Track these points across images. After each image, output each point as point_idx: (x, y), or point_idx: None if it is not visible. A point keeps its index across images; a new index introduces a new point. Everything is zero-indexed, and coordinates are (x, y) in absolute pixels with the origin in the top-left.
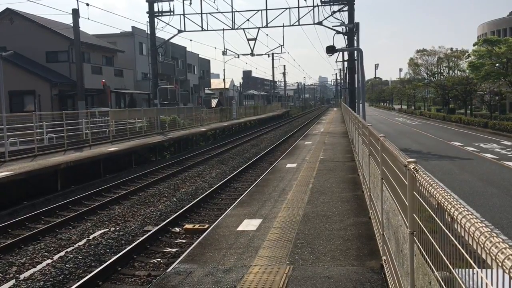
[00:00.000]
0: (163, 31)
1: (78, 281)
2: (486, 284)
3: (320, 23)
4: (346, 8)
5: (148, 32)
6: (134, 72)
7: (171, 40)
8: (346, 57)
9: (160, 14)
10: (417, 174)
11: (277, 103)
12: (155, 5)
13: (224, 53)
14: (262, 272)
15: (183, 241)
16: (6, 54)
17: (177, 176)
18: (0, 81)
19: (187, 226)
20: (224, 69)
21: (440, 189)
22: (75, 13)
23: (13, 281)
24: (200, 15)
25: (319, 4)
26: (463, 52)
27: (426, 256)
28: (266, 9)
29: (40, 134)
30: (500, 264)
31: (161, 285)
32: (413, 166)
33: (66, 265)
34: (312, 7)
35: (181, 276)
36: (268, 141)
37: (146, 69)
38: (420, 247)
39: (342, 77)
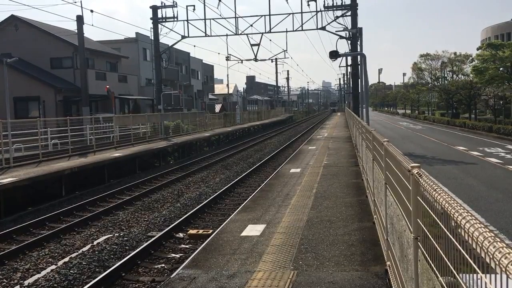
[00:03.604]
0: (167, 37)
1: (82, 287)
2: None
3: (323, 28)
4: (349, 13)
5: (152, 38)
6: (138, 78)
7: (175, 46)
8: (349, 62)
9: (164, 20)
10: (420, 179)
11: (280, 108)
12: (159, 11)
13: (227, 58)
14: (266, 278)
15: (187, 246)
16: (11, 61)
17: (181, 181)
18: (5, 88)
19: (191, 231)
20: (227, 75)
21: (444, 194)
22: (80, 19)
23: (18, 287)
24: (203, 21)
25: (322, 9)
26: (467, 56)
27: (430, 261)
28: (270, 15)
29: (45, 140)
30: (503, 269)
31: None
32: (416, 171)
33: (70, 271)
34: (315, 12)
35: (185, 281)
36: (272, 146)
37: (150, 75)
38: (424, 252)
39: (345, 82)
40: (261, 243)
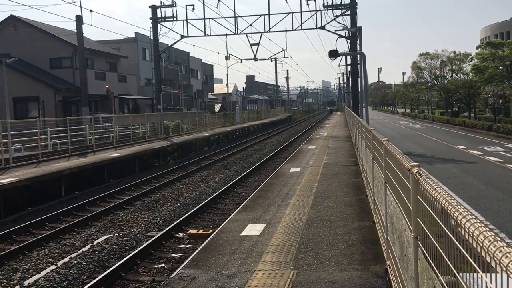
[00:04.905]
0: (166, 37)
1: (82, 287)
2: None
3: (322, 28)
4: (348, 13)
5: (151, 38)
6: (137, 78)
7: (174, 46)
8: (349, 61)
9: (163, 19)
10: (420, 178)
11: (280, 108)
12: (158, 10)
13: (227, 58)
14: (266, 277)
15: (187, 246)
16: (10, 61)
17: (180, 181)
18: (4, 88)
19: (191, 231)
20: (227, 74)
21: (444, 193)
22: (79, 19)
23: (18, 287)
24: (203, 20)
25: (322, 8)
26: (466, 55)
27: (431, 261)
28: (269, 14)
29: (44, 140)
30: (504, 268)
31: None
32: (416, 170)
33: (70, 271)
34: (314, 12)
35: (185, 281)
36: (272, 146)
37: (149, 75)
38: (424, 251)
39: (345, 81)
40: (261, 243)
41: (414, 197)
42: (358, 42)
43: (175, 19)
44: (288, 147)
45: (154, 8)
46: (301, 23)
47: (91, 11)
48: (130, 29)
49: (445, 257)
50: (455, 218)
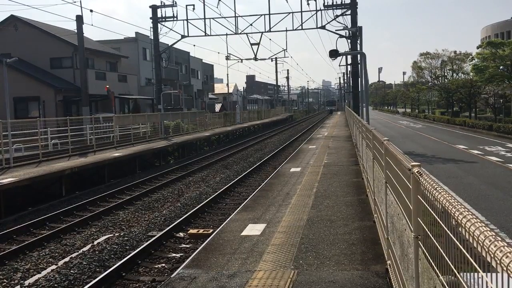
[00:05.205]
0: (167, 37)
1: (83, 287)
2: None
3: (323, 27)
4: (348, 12)
5: (152, 38)
6: (138, 78)
7: (175, 45)
8: (349, 61)
9: (164, 19)
10: (421, 178)
11: (280, 107)
12: (159, 10)
13: (227, 58)
14: (267, 277)
15: (187, 246)
16: (10, 61)
17: (181, 181)
18: (5, 88)
19: (191, 231)
20: (227, 74)
21: (445, 192)
22: (79, 19)
23: (18, 287)
24: (203, 20)
25: (322, 8)
26: (467, 54)
27: (431, 260)
28: (269, 14)
29: (45, 140)
30: (505, 268)
31: None
32: (417, 170)
33: (71, 271)
34: (315, 12)
35: (185, 281)
36: (272, 146)
37: (149, 75)
38: (425, 251)
39: (345, 80)
40: (262, 243)
41: (414, 197)
42: (358, 41)
43: (175, 19)
44: (288, 146)
45: (154, 8)
46: (302, 23)
47: (91, 11)
48: (130, 29)
49: (445, 257)
50: (455, 217)
